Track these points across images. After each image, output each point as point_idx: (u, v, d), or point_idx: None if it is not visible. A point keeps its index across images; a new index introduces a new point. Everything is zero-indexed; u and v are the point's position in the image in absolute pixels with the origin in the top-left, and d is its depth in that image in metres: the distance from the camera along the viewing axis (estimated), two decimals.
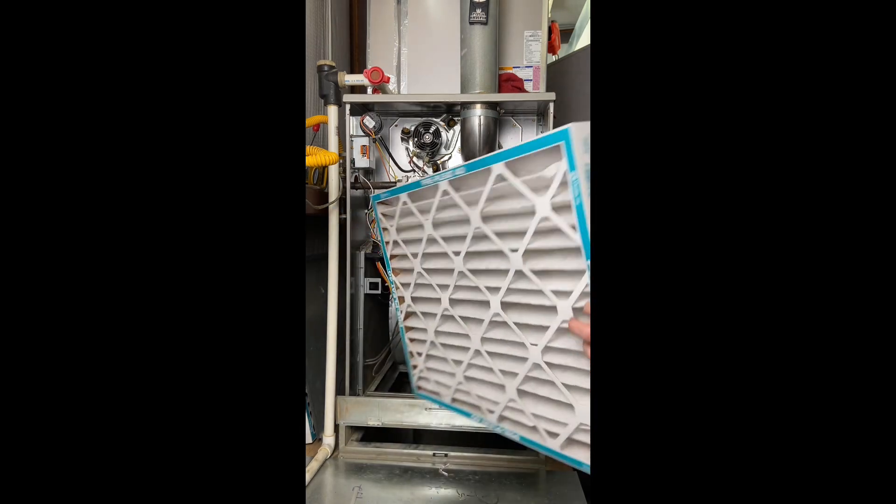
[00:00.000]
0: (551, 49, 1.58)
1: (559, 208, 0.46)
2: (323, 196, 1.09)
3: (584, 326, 0.44)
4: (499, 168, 0.52)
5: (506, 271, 0.54)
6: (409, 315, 0.78)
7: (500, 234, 0.55)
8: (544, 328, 0.51)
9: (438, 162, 1.15)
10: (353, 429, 1.10)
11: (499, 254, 0.55)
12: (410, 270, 0.76)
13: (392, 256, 0.82)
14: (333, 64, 1.03)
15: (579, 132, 0.41)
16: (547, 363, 0.52)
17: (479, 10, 1.04)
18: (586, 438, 0.50)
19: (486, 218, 0.56)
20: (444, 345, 0.69)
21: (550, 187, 0.46)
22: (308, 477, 0.91)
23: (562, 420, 0.52)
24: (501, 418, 0.61)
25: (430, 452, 1.03)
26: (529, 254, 0.51)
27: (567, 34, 2.98)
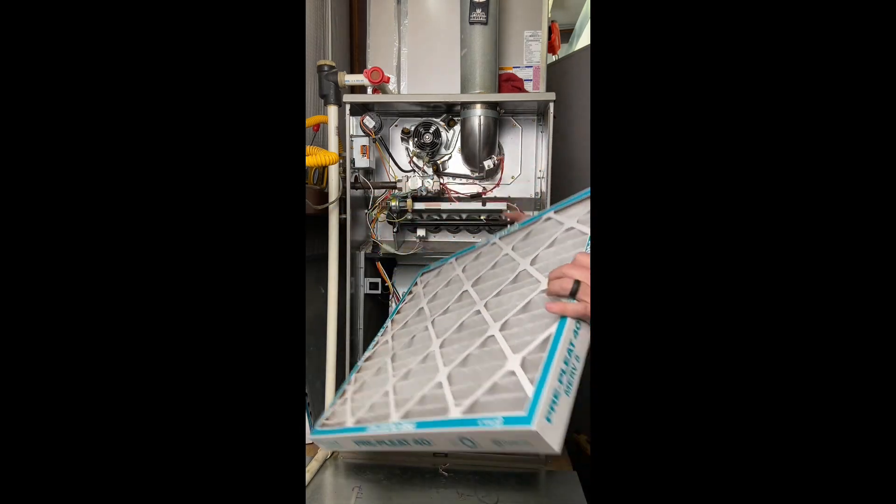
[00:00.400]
0: (551, 49, 1.58)
1: (581, 221, 0.70)
2: (323, 196, 1.09)
3: (562, 267, 0.56)
4: (549, 214, 0.78)
5: (507, 279, 0.72)
6: (372, 356, 0.89)
7: (523, 254, 0.75)
8: (514, 307, 0.63)
9: (438, 162, 1.15)
10: None
11: (510, 268, 0.73)
12: (410, 311, 0.89)
13: (399, 311, 0.96)
14: (333, 64, 1.03)
15: None
16: (502, 333, 0.62)
17: (479, 10, 1.04)
18: (497, 395, 0.53)
19: (515, 247, 0.79)
20: (395, 362, 0.79)
21: (580, 213, 0.71)
22: (308, 477, 0.91)
23: (481, 383, 0.55)
24: (407, 414, 0.63)
25: (431, 452, 1.02)
26: (538, 258, 0.70)
27: (567, 34, 2.98)
